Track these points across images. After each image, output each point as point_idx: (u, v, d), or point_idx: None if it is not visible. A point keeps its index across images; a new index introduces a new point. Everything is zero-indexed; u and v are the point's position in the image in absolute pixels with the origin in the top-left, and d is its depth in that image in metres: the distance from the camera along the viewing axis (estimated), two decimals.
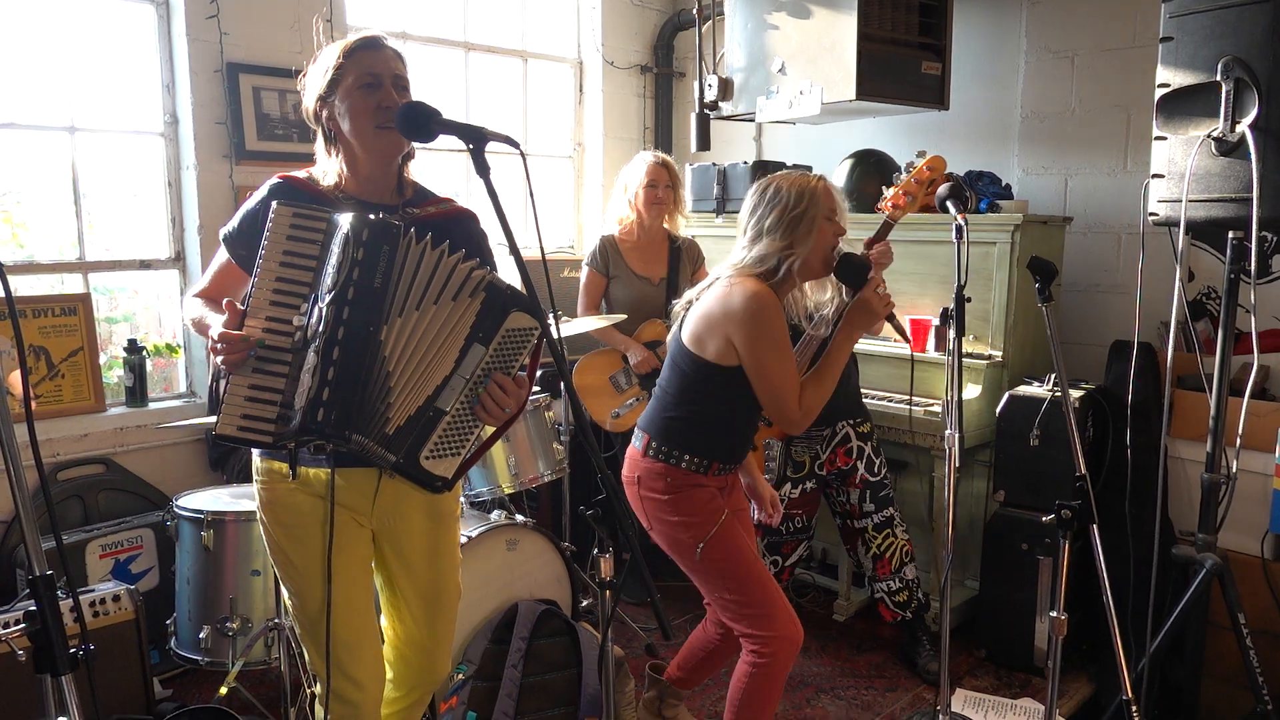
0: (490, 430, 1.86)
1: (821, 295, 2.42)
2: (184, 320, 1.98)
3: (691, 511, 2.28)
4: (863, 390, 3.44)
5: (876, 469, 3.24)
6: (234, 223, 1.91)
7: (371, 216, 1.71)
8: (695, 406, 2.29)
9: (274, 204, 1.71)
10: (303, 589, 1.90)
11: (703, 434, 2.30)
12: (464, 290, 1.74)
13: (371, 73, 1.83)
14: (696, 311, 2.27)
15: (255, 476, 1.92)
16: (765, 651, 2.26)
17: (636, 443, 2.38)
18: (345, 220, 1.70)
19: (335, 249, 1.69)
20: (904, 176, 2.63)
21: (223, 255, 1.92)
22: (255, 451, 1.90)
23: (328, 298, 1.67)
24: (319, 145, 1.91)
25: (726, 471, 2.37)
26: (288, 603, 1.97)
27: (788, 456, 3.21)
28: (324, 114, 1.87)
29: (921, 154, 2.65)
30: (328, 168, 1.89)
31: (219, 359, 1.67)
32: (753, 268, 2.25)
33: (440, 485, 1.76)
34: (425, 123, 1.73)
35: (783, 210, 2.24)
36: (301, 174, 1.92)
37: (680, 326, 2.32)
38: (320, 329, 1.67)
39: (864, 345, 3.55)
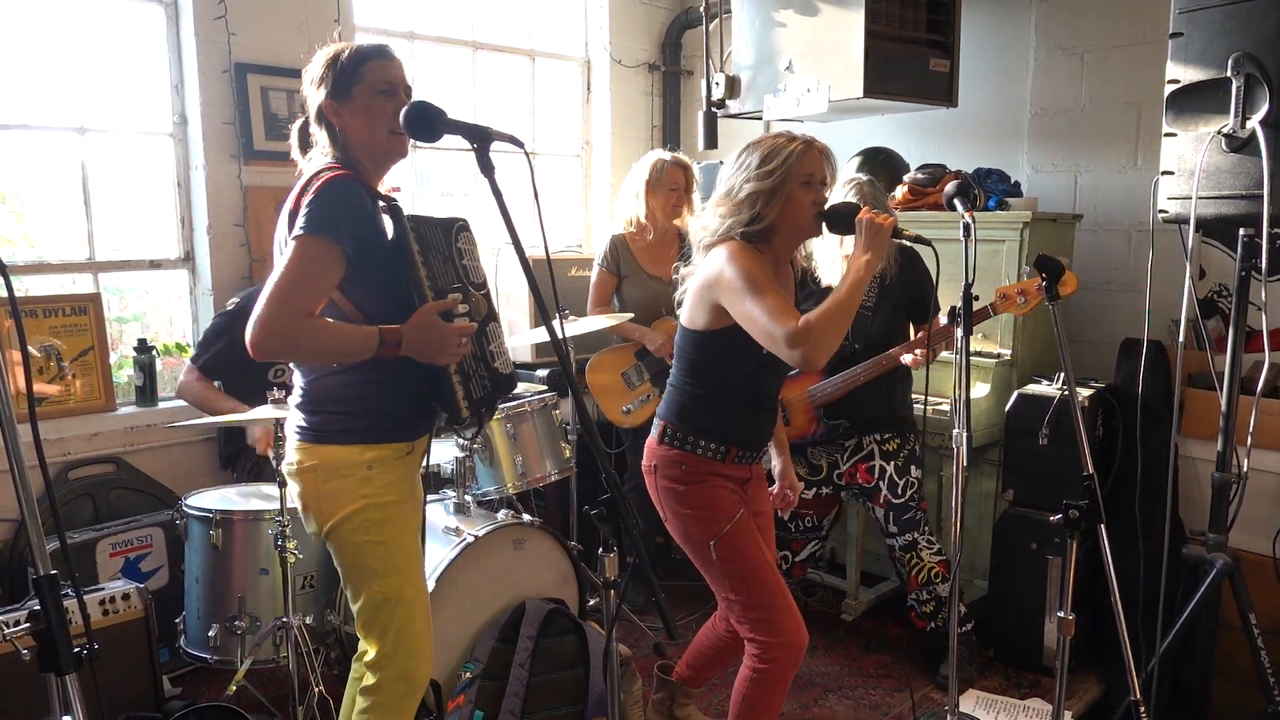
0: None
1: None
2: (286, 353, 1.86)
3: (707, 506, 2.27)
4: None
5: (901, 490, 3.13)
6: (316, 216, 1.80)
7: (446, 216, 2.01)
8: (704, 387, 2.29)
9: (405, 213, 1.90)
10: (412, 560, 2.02)
11: (716, 415, 2.28)
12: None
13: (388, 80, 1.91)
14: (687, 292, 2.30)
15: (359, 467, 1.92)
16: (768, 657, 2.25)
17: (654, 431, 2.37)
18: (457, 221, 2.02)
19: (463, 245, 2.01)
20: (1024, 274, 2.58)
21: (316, 251, 1.79)
22: (343, 447, 1.93)
23: (473, 286, 2.00)
24: (322, 143, 1.95)
25: (746, 460, 2.34)
26: (382, 591, 1.96)
27: (804, 458, 3.20)
28: (331, 115, 1.92)
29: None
30: (323, 164, 1.93)
31: (459, 353, 1.88)
32: (724, 233, 2.20)
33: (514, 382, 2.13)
34: (431, 123, 1.76)
35: (748, 175, 2.17)
36: (341, 170, 1.89)
37: (680, 310, 2.35)
38: (489, 309, 2.03)
39: None
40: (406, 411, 1.99)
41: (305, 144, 2.00)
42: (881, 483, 3.14)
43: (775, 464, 2.61)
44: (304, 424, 1.97)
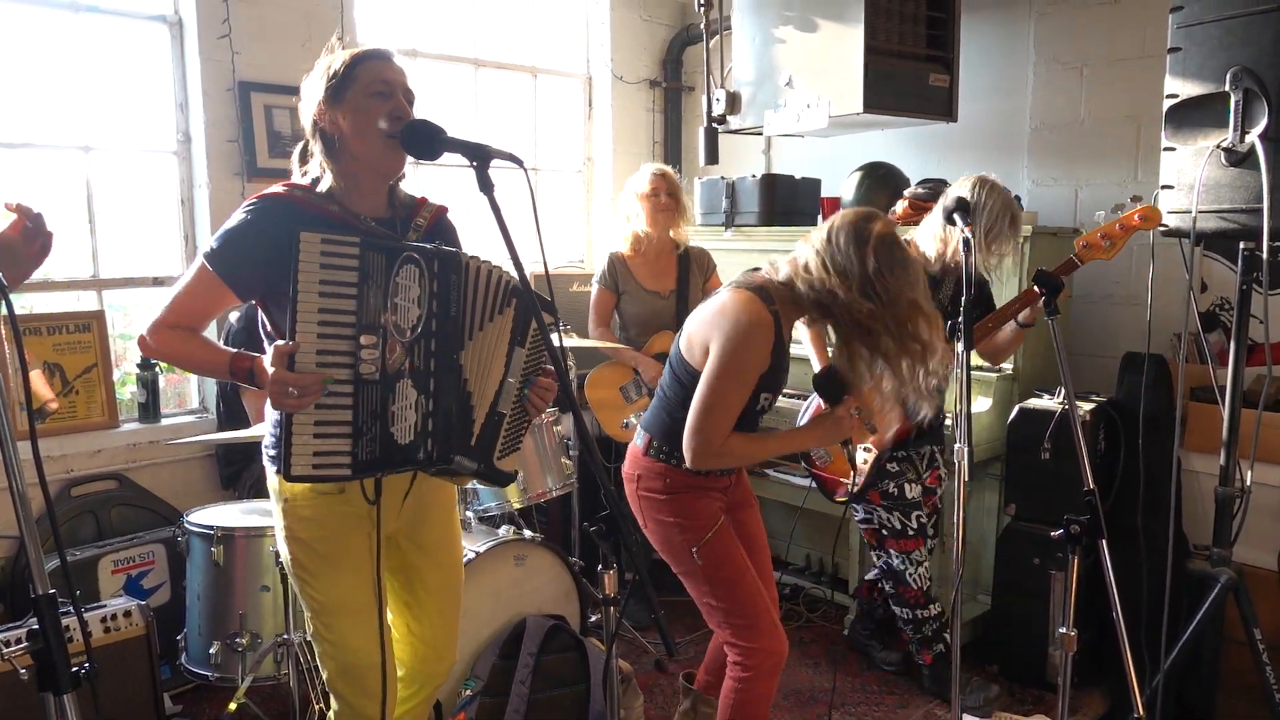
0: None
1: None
2: (154, 352, 1.83)
3: (688, 514, 2.27)
4: None
5: (942, 500, 3.20)
6: (219, 242, 1.79)
7: (429, 246, 1.78)
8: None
9: (300, 233, 1.63)
10: (336, 602, 1.88)
11: None
12: (504, 299, 1.84)
13: (383, 80, 1.80)
14: (695, 316, 2.26)
15: (279, 496, 1.87)
16: (748, 664, 2.26)
17: (638, 440, 2.35)
18: (404, 250, 1.73)
19: (402, 280, 1.72)
20: (1108, 217, 2.51)
21: (202, 276, 1.79)
22: (276, 473, 1.86)
23: (414, 332, 1.73)
24: (317, 155, 1.84)
25: (725, 473, 2.34)
26: (310, 623, 1.93)
27: (907, 460, 3.09)
28: (327, 119, 1.81)
29: (1136, 199, 2.54)
30: (321, 177, 1.84)
31: (284, 403, 1.62)
32: (778, 302, 2.13)
33: (509, 479, 1.91)
34: (430, 140, 1.75)
35: (861, 265, 2.04)
36: (280, 189, 1.84)
37: (681, 333, 2.31)
38: (411, 363, 1.73)
39: None
40: None
41: (305, 163, 1.92)
42: (939, 489, 3.16)
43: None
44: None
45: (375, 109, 1.78)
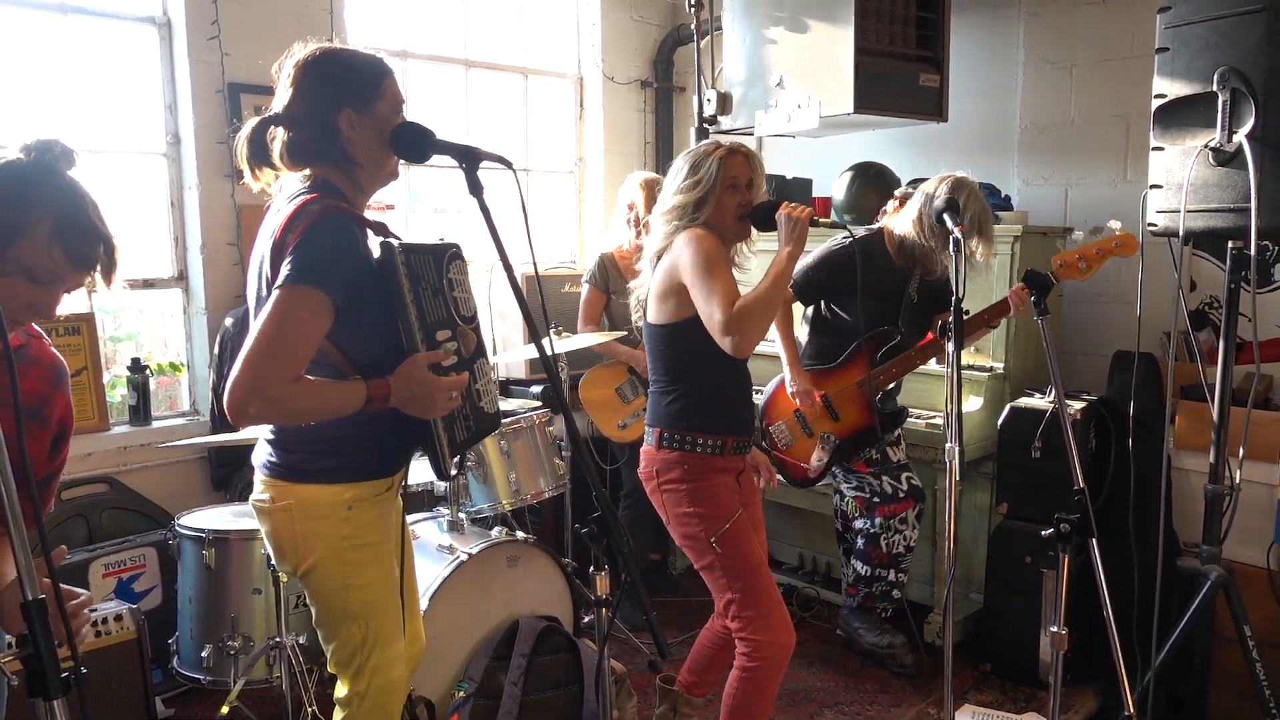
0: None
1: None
2: (282, 418, 1.75)
3: (707, 505, 2.34)
4: None
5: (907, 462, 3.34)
6: (321, 263, 1.65)
7: (438, 243, 1.91)
8: (684, 382, 2.36)
9: (392, 244, 1.73)
10: (384, 587, 1.91)
11: (705, 407, 2.35)
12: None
13: (399, 100, 1.83)
14: (649, 293, 2.38)
15: (340, 510, 1.80)
16: (758, 655, 2.32)
17: (648, 439, 2.43)
18: (450, 248, 1.92)
19: (454, 276, 1.90)
20: (1087, 237, 2.66)
21: (313, 304, 1.64)
22: (322, 486, 1.80)
23: (474, 319, 1.96)
24: (311, 152, 1.77)
25: (741, 450, 2.42)
26: (361, 634, 1.86)
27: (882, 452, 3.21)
28: (345, 123, 1.75)
29: (1115, 226, 2.71)
30: (336, 182, 1.79)
31: (446, 408, 1.77)
32: (671, 237, 2.33)
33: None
34: (419, 143, 1.76)
35: (687, 173, 2.32)
36: (332, 200, 1.75)
37: (644, 313, 2.42)
38: (479, 344, 1.95)
39: None
40: (387, 447, 1.87)
41: (261, 154, 1.79)
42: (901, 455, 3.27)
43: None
44: (276, 460, 1.83)
45: (394, 124, 1.79)
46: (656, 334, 2.38)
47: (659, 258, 2.36)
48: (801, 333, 3.25)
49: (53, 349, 1.67)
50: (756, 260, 2.51)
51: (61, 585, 1.29)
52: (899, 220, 3.02)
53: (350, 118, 1.75)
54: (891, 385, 3.16)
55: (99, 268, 1.52)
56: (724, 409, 2.37)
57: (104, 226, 1.53)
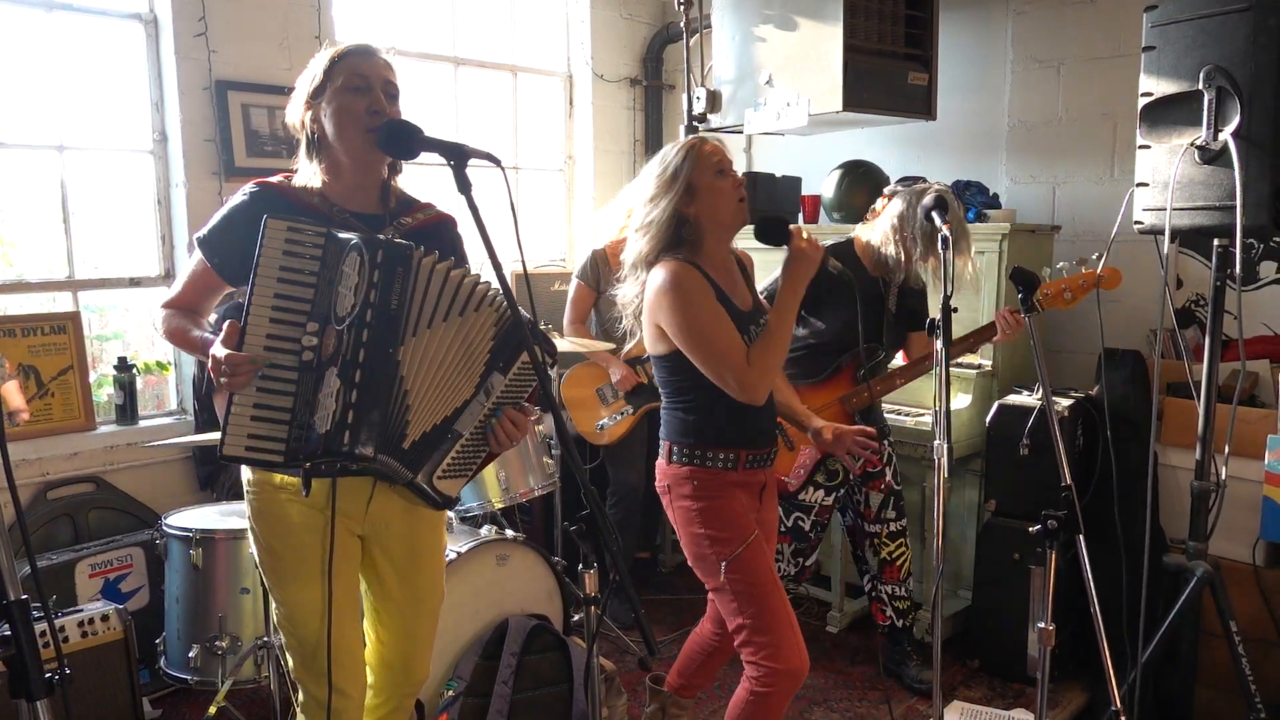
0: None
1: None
2: (159, 332, 1.95)
3: (721, 526, 2.22)
4: None
5: (899, 478, 3.21)
6: (209, 228, 1.87)
7: (382, 236, 1.74)
8: (694, 401, 2.25)
9: (266, 218, 1.66)
10: (295, 598, 1.89)
11: (716, 424, 2.24)
12: (470, 304, 1.79)
13: (360, 74, 1.81)
14: (643, 332, 2.28)
15: (246, 488, 1.90)
16: (767, 682, 2.19)
17: (661, 453, 2.34)
18: (352, 239, 1.70)
19: (347, 269, 1.69)
20: (1071, 269, 2.73)
21: (196, 261, 1.89)
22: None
23: (346, 321, 1.69)
24: (301, 153, 1.87)
25: (759, 463, 2.29)
26: (275, 614, 1.95)
27: (822, 464, 3.10)
28: (308, 117, 1.83)
29: (1099, 259, 2.75)
30: (308, 175, 1.86)
31: (222, 380, 1.64)
32: (654, 251, 2.21)
33: (445, 503, 1.85)
34: (407, 140, 1.75)
35: (659, 175, 2.22)
36: (277, 179, 1.87)
37: (638, 337, 2.33)
38: (339, 352, 1.69)
39: None
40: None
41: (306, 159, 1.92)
42: (888, 469, 3.16)
43: (813, 424, 2.60)
44: None
45: (353, 104, 1.80)
46: (658, 364, 2.29)
47: (636, 270, 2.26)
48: None
49: None
50: None
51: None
52: (873, 230, 2.95)
53: (307, 106, 1.84)
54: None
55: None
56: (736, 421, 2.24)
57: None
